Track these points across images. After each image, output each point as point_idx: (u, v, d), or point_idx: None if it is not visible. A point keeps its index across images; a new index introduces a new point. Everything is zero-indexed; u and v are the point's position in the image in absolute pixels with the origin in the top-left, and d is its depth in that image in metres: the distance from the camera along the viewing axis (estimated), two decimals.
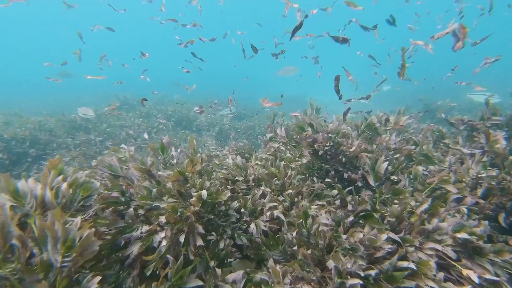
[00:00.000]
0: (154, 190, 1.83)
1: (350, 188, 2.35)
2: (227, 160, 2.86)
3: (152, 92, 5.35)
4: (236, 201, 2.15)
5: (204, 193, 1.73)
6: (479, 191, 1.96)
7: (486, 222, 1.55)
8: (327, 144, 2.33)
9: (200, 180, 1.93)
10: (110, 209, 1.86)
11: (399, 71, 2.02)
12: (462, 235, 1.53)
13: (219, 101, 12.85)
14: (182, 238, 1.64)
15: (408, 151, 2.78)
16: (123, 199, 1.94)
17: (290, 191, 2.23)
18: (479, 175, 1.91)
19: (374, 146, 2.79)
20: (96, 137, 6.92)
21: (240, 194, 2.33)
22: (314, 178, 2.67)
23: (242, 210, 2.06)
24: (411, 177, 2.14)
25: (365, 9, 2.76)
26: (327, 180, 2.59)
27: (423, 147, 2.45)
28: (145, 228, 1.70)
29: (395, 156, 2.81)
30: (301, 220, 1.70)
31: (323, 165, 2.66)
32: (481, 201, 1.79)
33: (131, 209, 1.79)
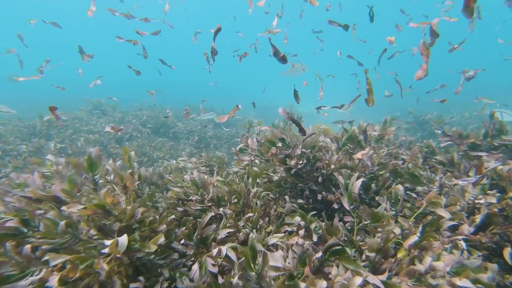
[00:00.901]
0: (62, 223, 1.39)
1: (327, 211, 2.00)
2: (185, 176, 2.46)
3: (109, 97, 4.87)
4: (185, 227, 1.74)
5: (122, 242, 1.27)
6: (478, 218, 1.65)
7: (495, 266, 1.22)
8: (300, 162, 1.98)
9: (130, 207, 1.51)
10: (11, 243, 1.41)
11: (366, 98, 1.75)
12: (464, 282, 1.19)
13: (192, 109, 12.47)
14: None
15: (394, 166, 2.48)
16: (25, 230, 1.50)
17: (250, 214, 1.85)
18: (477, 200, 1.61)
19: (357, 160, 2.48)
20: (58, 143, 6.32)
21: (191, 218, 1.93)
22: (286, 197, 2.31)
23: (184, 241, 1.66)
24: (392, 199, 1.82)
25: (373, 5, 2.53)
26: (300, 201, 2.23)
27: (409, 165, 2.15)
28: (39, 275, 1.25)
29: (380, 172, 2.51)
30: (248, 258, 1.31)
31: (297, 183, 2.31)
32: (481, 234, 1.48)
33: (27, 246, 1.35)
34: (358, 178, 1.91)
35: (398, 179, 2.30)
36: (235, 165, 2.99)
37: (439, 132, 2.42)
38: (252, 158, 2.70)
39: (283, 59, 1.58)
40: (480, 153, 1.77)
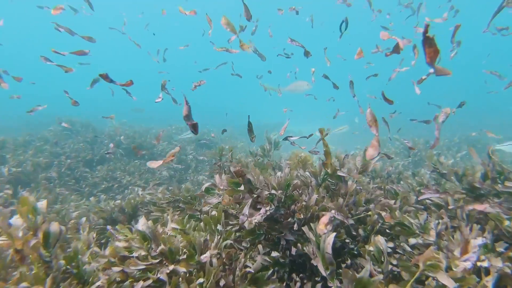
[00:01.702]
0: None
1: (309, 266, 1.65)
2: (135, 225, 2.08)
3: (106, 117, 4.33)
4: None
5: None
6: (489, 283, 1.36)
7: None
8: (269, 208, 1.67)
9: None
10: None
11: (324, 162, 1.55)
12: None
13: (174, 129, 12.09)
14: None
15: (383, 206, 2.20)
16: None
17: (201, 280, 1.48)
18: (479, 263, 1.32)
19: (341, 200, 2.18)
20: (12, 167, 5.75)
21: (128, 282, 1.53)
22: (260, 247, 1.95)
23: None
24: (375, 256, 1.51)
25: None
26: (274, 254, 1.88)
27: (396, 212, 1.87)
28: None
29: (369, 213, 2.22)
30: None
31: (271, 230, 1.97)
32: None
33: None
34: (337, 227, 1.61)
35: (387, 223, 2.02)
36: (203, 205, 2.62)
37: (432, 172, 2.19)
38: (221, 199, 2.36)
39: (194, 127, 1.35)
40: (480, 207, 1.52)
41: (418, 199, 1.90)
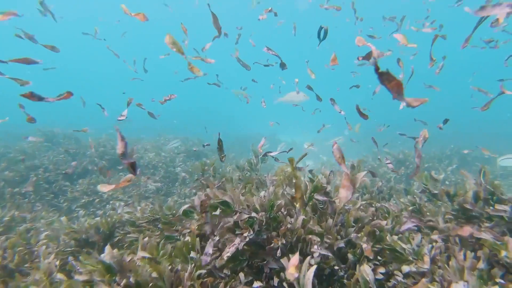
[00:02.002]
0: None
1: None
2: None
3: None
4: None
5: None
6: None
7: None
8: (247, 234, 1.52)
9: None
10: None
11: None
12: None
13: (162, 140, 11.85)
14: None
15: (373, 227, 2.08)
16: None
17: None
18: None
19: (330, 221, 2.05)
20: None
21: None
22: (241, 275, 1.78)
23: None
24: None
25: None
26: (257, 285, 1.71)
27: (387, 237, 1.75)
28: None
29: (359, 235, 2.08)
30: None
31: (254, 256, 1.81)
32: None
33: None
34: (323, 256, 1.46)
35: (377, 245, 1.89)
36: (181, 229, 2.42)
37: (423, 192, 2.10)
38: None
39: (132, 167, 1.23)
40: (465, 232, 1.42)
41: (400, 230, 1.78)
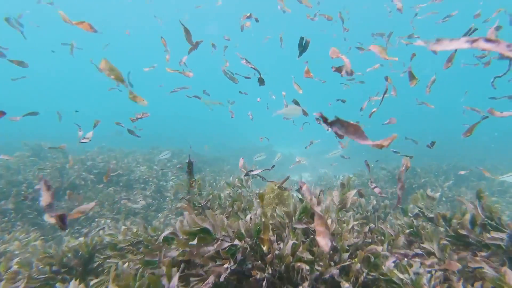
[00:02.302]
0: None
1: None
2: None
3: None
4: None
5: None
6: None
7: None
8: (229, 265, 1.38)
9: None
10: None
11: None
12: None
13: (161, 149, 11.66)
14: None
15: (367, 253, 1.95)
16: None
17: None
18: None
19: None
20: None
21: None
22: None
23: None
24: None
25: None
26: None
27: (383, 266, 1.63)
28: None
29: (353, 261, 1.95)
30: None
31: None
32: None
33: None
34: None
35: (372, 274, 1.76)
36: (163, 258, 2.25)
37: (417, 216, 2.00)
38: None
39: (61, 221, 1.13)
40: (452, 267, 1.32)
41: (385, 265, 1.67)
